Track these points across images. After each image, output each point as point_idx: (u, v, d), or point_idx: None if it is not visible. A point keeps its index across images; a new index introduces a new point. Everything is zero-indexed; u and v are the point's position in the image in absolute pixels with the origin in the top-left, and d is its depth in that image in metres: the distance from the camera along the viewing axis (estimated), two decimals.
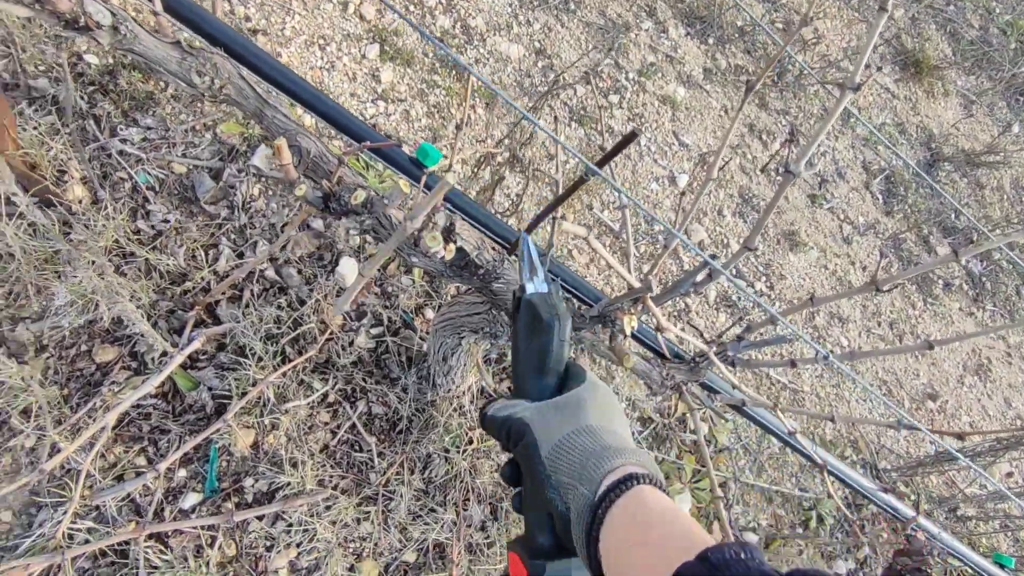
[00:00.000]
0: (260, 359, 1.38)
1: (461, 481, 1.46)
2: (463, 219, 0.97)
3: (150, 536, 1.22)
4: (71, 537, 1.16)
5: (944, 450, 1.98)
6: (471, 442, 1.48)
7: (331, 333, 1.48)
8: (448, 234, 0.84)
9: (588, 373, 0.61)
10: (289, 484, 1.34)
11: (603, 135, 1.20)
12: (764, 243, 2.40)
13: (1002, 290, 2.95)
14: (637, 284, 0.97)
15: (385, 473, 1.43)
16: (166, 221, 1.47)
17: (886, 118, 3.09)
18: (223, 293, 1.44)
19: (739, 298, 2.21)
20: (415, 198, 0.95)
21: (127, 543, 1.20)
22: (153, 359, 1.34)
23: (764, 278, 2.32)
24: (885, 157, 2.96)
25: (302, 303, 1.49)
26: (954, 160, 3.15)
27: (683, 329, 1.93)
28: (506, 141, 1.71)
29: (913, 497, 2.04)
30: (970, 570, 1.91)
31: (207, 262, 1.46)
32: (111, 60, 1.52)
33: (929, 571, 1.31)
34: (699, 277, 1.03)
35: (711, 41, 2.72)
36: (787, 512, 1.88)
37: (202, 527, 1.27)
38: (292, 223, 1.48)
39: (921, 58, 3.27)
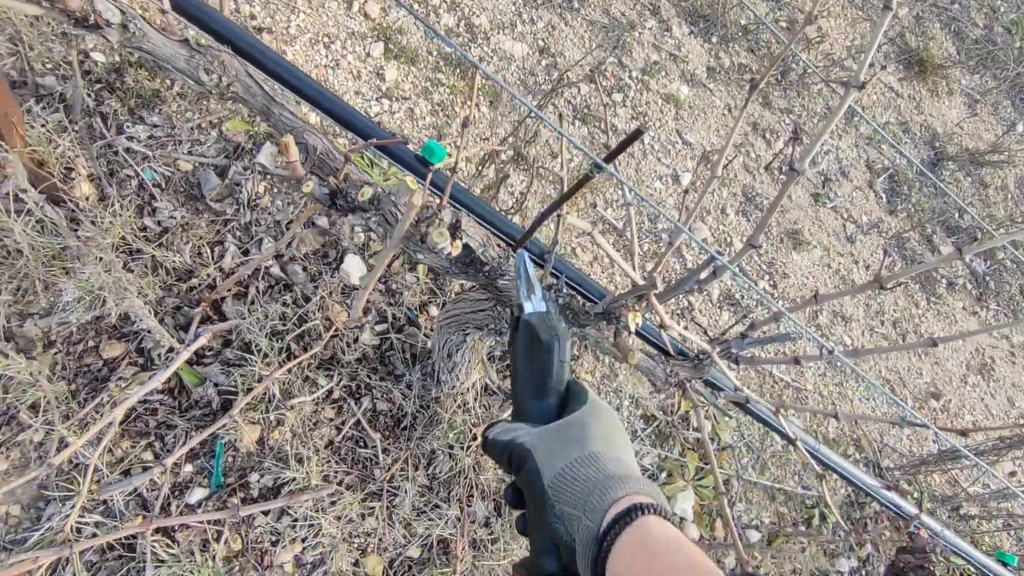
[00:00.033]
0: (266, 355, 1.39)
1: (465, 477, 1.47)
2: (468, 216, 0.98)
3: (157, 530, 1.23)
4: (79, 531, 1.17)
5: (947, 448, 1.99)
6: (475, 438, 1.49)
7: (336, 330, 1.49)
8: (454, 231, 0.84)
9: (589, 392, 0.60)
10: (294, 480, 1.34)
11: (607, 133, 1.20)
12: (767, 242, 2.40)
13: (1006, 289, 2.94)
14: (641, 281, 0.97)
15: (390, 469, 1.44)
16: (172, 218, 1.47)
17: (890, 117, 3.09)
18: (229, 290, 1.45)
19: (742, 296, 2.21)
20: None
21: (134, 537, 1.21)
22: (159, 355, 1.35)
23: (767, 277, 2.32)
24: (889, 156, 2.96)
25: (307, 300, 1.50)
26: (958, 159, 3.15)
27: (686, 327, 1.93)
28: (510, 139, 1.71)
29: (916, 495, 2.04)
30: (973, 569, 1.91)
31: (213, 259, 1.47)
32: (117, 58, 1.53)
33: (932, 568, 1.31)
34: (703, 275, 1.04)
35: (715, 40, 2.72)
36: (790, 510, 1.88)
37: (208, 522, 1.28)
38: (298, 220, 1.48)
39: (925, 57, 3.26)
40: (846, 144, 2.88)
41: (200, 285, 1.44)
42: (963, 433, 1.01)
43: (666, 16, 2.62)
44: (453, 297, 1.52)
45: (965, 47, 3.57)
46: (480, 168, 1.67)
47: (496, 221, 1.11)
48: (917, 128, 3.14)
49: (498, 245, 1.02)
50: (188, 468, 1.32)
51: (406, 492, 1.42)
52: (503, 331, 1.08)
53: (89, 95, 1.45)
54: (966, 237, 2.93)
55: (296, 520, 1.34)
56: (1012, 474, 2.25)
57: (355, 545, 1.38)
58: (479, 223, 1.01)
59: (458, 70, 2.02)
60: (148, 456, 1.29)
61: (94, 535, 1.17)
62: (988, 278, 2.93)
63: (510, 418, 0.64)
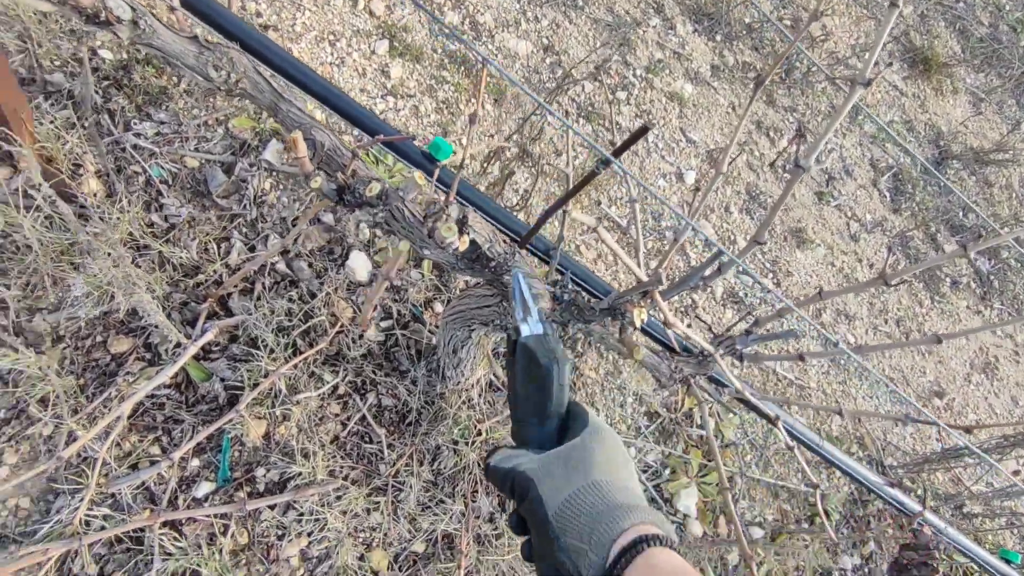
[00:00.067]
0: (272, 351, 1.40)
1: (470, 473, 1.47)
2: (475, 212, 0.98)
3: (164, 524, 1.24)
4: (87, 523, 1.18)
5: (951, 447, 1.99)
6: (479, 434, 1.50)
7: (341, 326, 1.50)
8: (461, 226, 0.85)
9: (590, 415, 0.60)
10: (300, 474, 1.35)
11: (613, 130, 1.20)
12: (771, 240, 2.40)
13: (1010, 288, 2.94)
14: (646, 277, 0.98)
15: (395, 464, 1.45)
16: (179, 214, 1.48)
17: (894, 116, 3.08)
18: (235, 286, 1.46)
19: (745, 295, 2.21)
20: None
21: (142, 530, 1.22)
22: (167, 350, 1.36)
23: (771, 275, 2.32)
24: (893, 155, 2.95)
25: (313, 296, 1.50)
26: (962, 158, 3.14)
27: (689, 325, 1.93)
28: (515, 137, 1.72)
29: (920, 492, 2.04)
30: (976, 566, 1.91)
31: (219, 255, 1.48)
32: (125, 55, 1.54)
33: (935, 565, 1.32)
34: (709, 271, 1.04)
35: (719, 38, 2.72)
36: (793, 507, 1.88)
37: (215, 515, 1.29)
38: (304, 216, 1.49)
39: (930, 55, 3.26)
40: (850, 143, 2.87)
41: (207, 281, 1.45)
42: (967, 430, 1.01)
43: (670, 14, 2.62)
44: (458, 293, 1.53)
45: (970, 45, 3.56)
46: (485, 165, 1.68)
47: (501, 217, 1.11)
48: (921, 127, 3.13)
49: (504, 241, 1.02)
50: (195, 462, 1.33)
51: (411, 487, 1.43)
52: (509, 326, 1.08)
53: (97, 92, 1.46)
54: (971, 235, 2.92)
55: (302, 514, 1.35)
56: (1016, 472, 2.25)
57: (360, 539, 1.39)
58: (485, 219, 1.02)
59: (462, 68, 2.03)
60: (155, 450, 1.30)
61: (102, 528, 1.18)
62: (992, 277, 2.93)
63: (511, 442, 0.64)
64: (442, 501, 1.45)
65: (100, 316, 1.34)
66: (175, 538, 1.24)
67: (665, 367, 1.15)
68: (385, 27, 1.95)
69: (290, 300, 1.47)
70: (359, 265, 1.56)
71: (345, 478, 1.40)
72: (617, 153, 0.65)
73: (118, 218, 1.35)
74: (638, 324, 0.99)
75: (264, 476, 1.36)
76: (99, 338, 1.34)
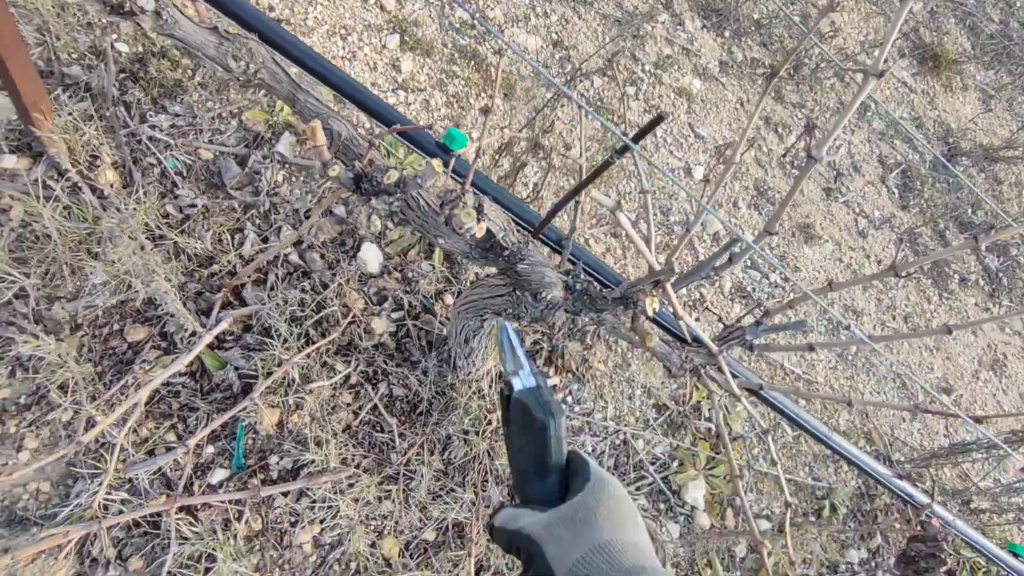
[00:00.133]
0: (285, 340, 1.42)
1: (480, 462, 1.49)
2: (489, 201, 0.99)
3: (180, 509, 1.26)
4: (106, 507, 1.20)
5: (958, 442, 1.99)
6: (490, 424, 1.51)
7: (353, 316, 1.51)
8: (478, 213, 0.86)
9: (591, 465, 0.59)
10: (313, 462, 1.37)
11: (626, 124, 1.21)
12: (779, 235, 2.40)
13: (1019, 286, 2.93)
14: (659, 266, 0.99)
15: (406, 453, 1.46)
16: (193, 206, 1.50)
17: (903, 112, 3.08)
18: (249, 276, 1.48)
19: (754, 289, 2.22)
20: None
21: (159, 515, 1.24)
22: (182, 339, 1.38)
23: (779, 270, 2.33)
24: (902, 151, 2.95)
25: (325, 287, 1.52)
26: (971, 155, 3.13)
27: (698, 319, 1.94)
28: (525, 131, 1.73)
29: (928, 486, 2.04)
30: (982, 562, 1.91)
31: (233, 246, 1.49)
32: (140, 48, 1.56)
33: (943, 556, 1.32)
34: (720, 260, 1.05)
35: (727, 34, 2.72)
36: (800, 500, 1.89)
37: (230, 502, 1.31)
38: (321, 205, 1.51)
39: (940, 52, 3.24)
40: (858, 139, 2.87)
41: (221, 271, 1.47)
42: (978, 420, 1.02)
43: (679, 10, 2.62)
44: (471, 283, 1.54)
45: (980, 42, 3.54)
46: (496, 158, 1.69)
47: (514, 208, 1.12)
48: (930, 123, 3.12)
49: (517, 230, 1.04)
50: (210, 449, 1.35)
51: (422, 476, 1.44)
52: (522, 315, 1.09)
53: (114, 84, 1.48)
54: (981, 229, 2.91)
55: (315, 502, 1.37)
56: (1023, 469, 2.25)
57: (372, 527, 1.41)
58: (500, 209, 1.03)
59: (473, 63, 2.04)
60: (171, 437, 1.32)
61: (120, 512, 1.21)
62: (1001, 274, 2.92)
63: (514, 498, 0.63)
64: (452, 490, 1.47)
65: (117, 305, 1.36)
66: (191, 523, 1.26)
67: (676, 357, 1.16)
68: (396, 22, 1.96)
69: (303, 291, 1.49)
70: (371, 256, 1.58)
71: (357, 466, 1.42)
72: (636, 139, 0.66)
73: (134, 208, 1.37)
74: (650, 313, 1.00)
75: (277, 464, 1.38)
76: (116, 326, 1.36)
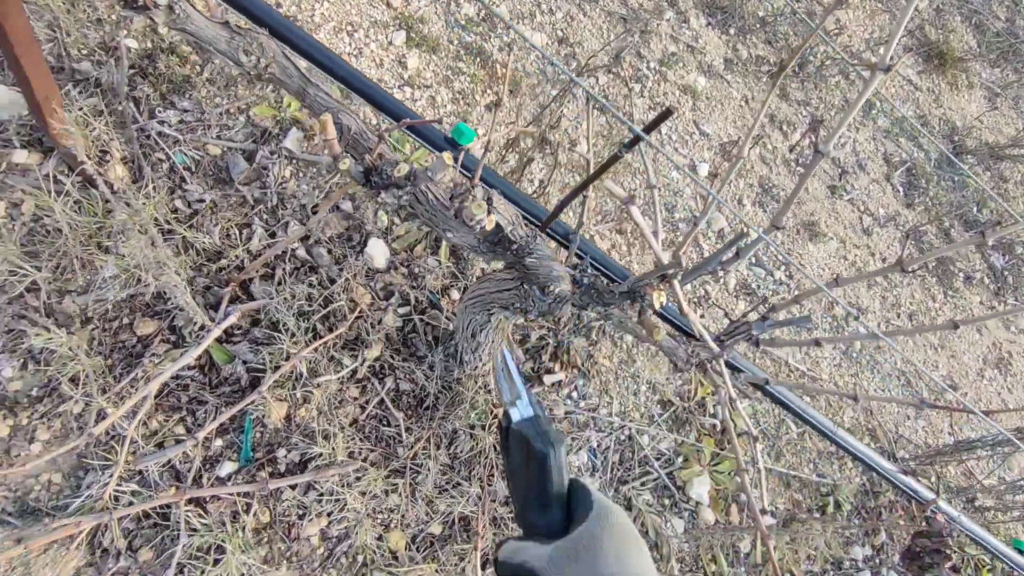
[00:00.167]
0: (293, 335, 1.43)
1: (486, 457, 1.50)
2: (498, 195, 1.00)
3: (190, 501, 1.27)
4: (116, 499, 1.21)
5: (963, 439, 1.99)
6: (496, 418, 1.52)
7: (360, 311, 1.52)
8: (488, 206, 0.87)
9: (593, 495, 0.59)
10: (320, 455, 1.38)
11: (631, 118, 1.22)
12: (784, 233, 2.40)
13: None
14: (667, 260, 0.99)
15: (412, 447, 1.47)
16: (202, 200, 1.51)
17: (908, 110, 3.07)
18: (257, 271, 1.49)
19: (758, 287, 2.22)
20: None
21: (168, 506, 1.25)
22: (191, 332, 1.39)
23: (784, 267, 2.33)
24: (907, 149, 2.94)
25: (332, 282, 1.53)
26: (977, 153, 3.12)
27: (702, 316, 1.94)
28: (532, 127, 1.74)
29: (932, 481, 2.04)
30: (987, 559, 1.91)
31: (241, 241, 1.50)
32: (149, 44, 1.57)
33: (948, 552, 1.33)
34: (726, 255, 1.05)
35: (732, 31, 2.72)
36: (804, 497, 1.89)
37: (238, 494, 1.32)
38: (328, 201, 1.52)
39: (945, 50, 3.24)
40: (863, 137, 2.86)
41: (229, 266, 1.48)
42: (987, 413, 1.02)
43: (684, 7, 2.62)
44: (478, 277, 1.55)
45: (986, 40, 3.53)
46: (503, 154, 1.70)
47: (522, 202, 1.13)
48: (936, 122, 3.12)
49: (525, 224, 1.04)
50: (218, 442, 1.36)
51: (428, 470, 1.45)
52: (529, 309, 1.10)
53: (124, 80, 1.49)
54: (988, 226, 2.90)
55: (322, 495, 1.38)
56: None
57: (379, 520, 1.42)
58: (508, 203, 1.04)
59: (478, 59, 2.05)
60: (180, 430, 1.33)
61: (131, 503, 1.22)
62: (1006, 272, 2.92)
63: (519, 531, 0.62)
64: (459, 484, 1.48)
65: (127, 299, 1.37)
66: (200, 515, 1.27)
67: (682, 351, 1.17)
68: (402, 18, 1.97)
69: (310, 285, 1.50)
70: (377, 252, 1.59)
71: (364, 460, 1.43)
72: (648, 130, 0.67)
73: (143, 203, 1.38)
74: (657, 307, 1.01)
75: (285, 457, 1.39)
76: (126, 320, 1.37)
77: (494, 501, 1.49)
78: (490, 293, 1.18)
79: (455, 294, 1.66)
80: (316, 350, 1.44)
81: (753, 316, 1.16)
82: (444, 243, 1.68)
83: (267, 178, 1.58)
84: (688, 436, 1.79)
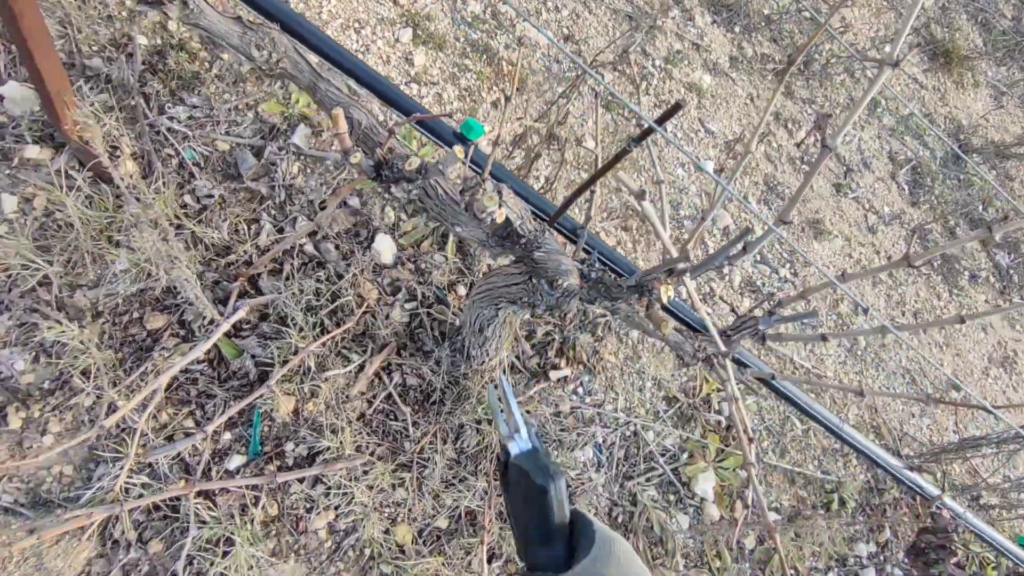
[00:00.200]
0: (301, 329, 1.44)
1: (492, 451, 1.50)
2: (507, 189, 1.01)
3: (199, 493, 1.28)
4: (127, 491, 1.22)
5: (968, 437, 1.99)
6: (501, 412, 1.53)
7: (368, 306, 1.53)
8: (499, 197, 0.87)
9: (595, 526, 0.59)
10: (328, 449, 1.39)
11: (642, 105, 1.22)
12: (789, 230, 2.40)
13: None
14: (676, 253, 1.00)
15: (419, 442, 1.48)
16: (211, 196, 1.52)
17: (914, 109, 3.06)
18: (265, 266, 1.50)
19: (763, 284, 2.22)
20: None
21: (178, 499, 1.26)
22: (200, 327, 1.40)
23: (788, 265, 2.33)
24: (912, 148, 2.94)
25: (339, 277, 1.54)
26: (983, 152, 3.12)
27: (708, 312, 1.94)
28: (538, 123, 1.74)
29: (938, 477, 2.04)
30: (991, 556, 1.91)
31: (249, 236, 1.51)
32: (159, 41, 1.58)
33: (953, 547, 1.33)
34: (733, 250, 1.06)
35: (737, 29, 2.72)
36: (809, 494, 1.90)
37: (247, 487, 1.33)
38: (336, 196, 1.52)
39: (951, 48, 3.23)
40: (868, 135, 2.86)
41: (237, 261, 1.49)
42: (996, 407, 1.02)
43: (689, 5, 2.62)
44: (486, 272, 1.55)
45: (992, 38, 3.52)
46: (511, 150, 1.70)
47: (530, 197, 1.14)
48: (941, 120, 3.11)
49: (533, 219, 1.05)
50: (227, 436, 1.37)
51: (435, 464, 1.46)
52: (537, 303, 1.11)
53: (134, 76, 1.50)
54: (994, 221, 2.90)
55: (329, 488, 1.38)
56: None
57: (386, 514, 1.43)
58: (517, 197, 1.04)
59: (484, 56, 2.05)
60: (190, 423, 1.34)
61: (141, 495, 1.23)
62: (1012, 271, 2.91)
63: (523, 563, 0.62)
64: (465, 478, 1.48)
65: (137, 293, 1.38)
66: (209, 507, 1.28)
67: (689, 346, 1.17)
68: (409, 15, 1.97)
69: (318, 281, 1.51)
70: (384, 247, 1.60)
71: (371, 454, 1.44)
72: (660, 122, 0.68)
73: (153, 198, 1.39)
74: (665, 301, 1.01)
75: (293, 450, 1.40)
76: (136, 314, 1.38)
77: (500, 495, 1.50)
78: (498, 288, 1.19)
79: (461, 290, 1.67)
80: (324, 345, 1.45)
81: (759, 313, 1.17)
82: (451, 239, 1.69)
83: (275, 174, 1.59)
84: (693, 432, 1.79)
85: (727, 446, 1.78)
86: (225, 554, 1.26)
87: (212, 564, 1.24)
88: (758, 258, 2.26)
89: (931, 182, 2.88)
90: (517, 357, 1.62)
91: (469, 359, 1.46)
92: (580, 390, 1.72)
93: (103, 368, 1.27)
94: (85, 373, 1.26)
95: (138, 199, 1.39)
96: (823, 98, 2.78)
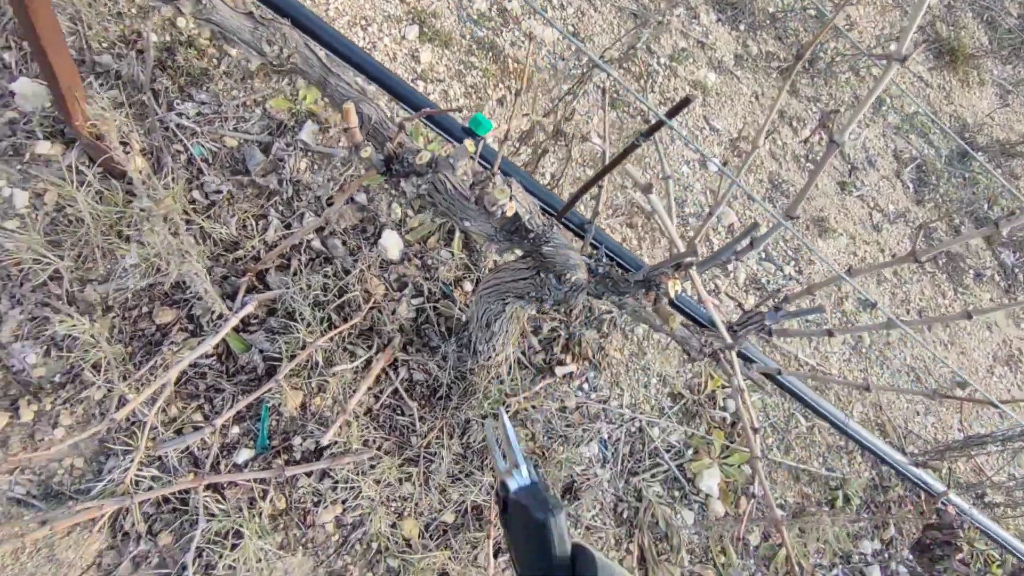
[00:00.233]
0: (308, 324, 1.45)
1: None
2: (516, 183, 1.01)
3: (208, 487, 1.29)
4: (137, 484, 1.23)
5: (973, 435, 1.98)
6: (508, 408, 1.53)
7: (374, 302, 1.54)
8: (510, 190, 0.88)
9: (597, 557, 0.58)
10: (336, 443, 1.40)
11: (651, 102, 1.23)
12: (794, 228, 2.40)
13: None
14: (683, 248, 1.00)
15: (426, 437, 1.49)
16: (219, 192, 1.53)
17: (919, 107, 3.06)
18: (272, 261, 1.50)
19: (768, 281, 2.22)
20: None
21: (187, 492, 1.27)
22: (208, 321, 1.41)
23: (793, 263, 2.33)
24: (917, 146, 2.93)
25: (347, 273, 1.55)
26: (988, 150, 3.11)
27: (715, 305, 1.95)
28: (547, 119, 1.75)
29: (943, 474, 2.04)
30: (996, 554, 1.91)
31: (257, 231, 1.52)
32: (168, 38, 1.59)
33: (958, 544, 1.33)
34: (740, 246, 1.06)
35: (742, 27, 2.72)
36: (814, 491, 1.90)
37: (255, 481, 1.34)
38: (343, 193, 1.53)
39: (956, 46, 3.22)
40: (873, 133, 2.86)
41: (245, 256, 1.50)
42: (1004, 402, 1.03)
43: (694, 3, 2.62)
44: (493, 267, 1.56)
45: (998, 37, 3.52)
46: (517, 147, 1.71)
47: (538, 192, 1.14)
48: (946, 119, 3.11)
49: (541, 214, 1.05)
50: (235, 430, 1.38)
51: (441, 459, 1.47)
52: (544, 298, 1.11)
53: (142, 72, 1.51)
54: (1001, 217, 2.89)
55: (337, 482, 1.39)
56: None
57: (392, 508, 1.44)
58: (525, 192, 1.05)
59: (490, 54, 2.06)
60: (198, 417, 1.36)
61: (151, 488, 1.24)
62: (1017, 270, 2.90)
63: None
64: (471, 473, 1.49)
65: (146, 288, 1.39)
66: (218, 500, 1.29)
67: (695, 340, 1.18)
68: (415, 13, 1.98)
69: (325, 276, 1.51)
70: (391, 243, 1.60)
71: (378, 448, 1.45)
72: (671, 115, 0.68)
73: (163, 194, 1.40)
74: (672, 295, 1.02)
75: (301, 445, 1.41)
76: (145, 309, 1.39)
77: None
78: (505, 283, 1.20)
79: (468, 285, 1.67)
80: (331, 340, 1.46)
81: (765, 308, 1.17)
82: (457, 235, 1.69)
83: (283, 170, 1.60)
84: (698, 429, 1.80)
85: (732, 442, 1.78)
86: (234, 547, 1.27)
87: (221, 557, 1.25)
88: (763, 255, 2.26)
89: (936, 180, 2.88)
90: (523, 352, 1.62)
91: (476, 354, 1.46)
92: (585, 386, 1.73)
93: (113, 362, 1.28)
94: (95, 367, 1.27)
95: (149, 195, 1.40)
96: (828, 96, 2.78)
